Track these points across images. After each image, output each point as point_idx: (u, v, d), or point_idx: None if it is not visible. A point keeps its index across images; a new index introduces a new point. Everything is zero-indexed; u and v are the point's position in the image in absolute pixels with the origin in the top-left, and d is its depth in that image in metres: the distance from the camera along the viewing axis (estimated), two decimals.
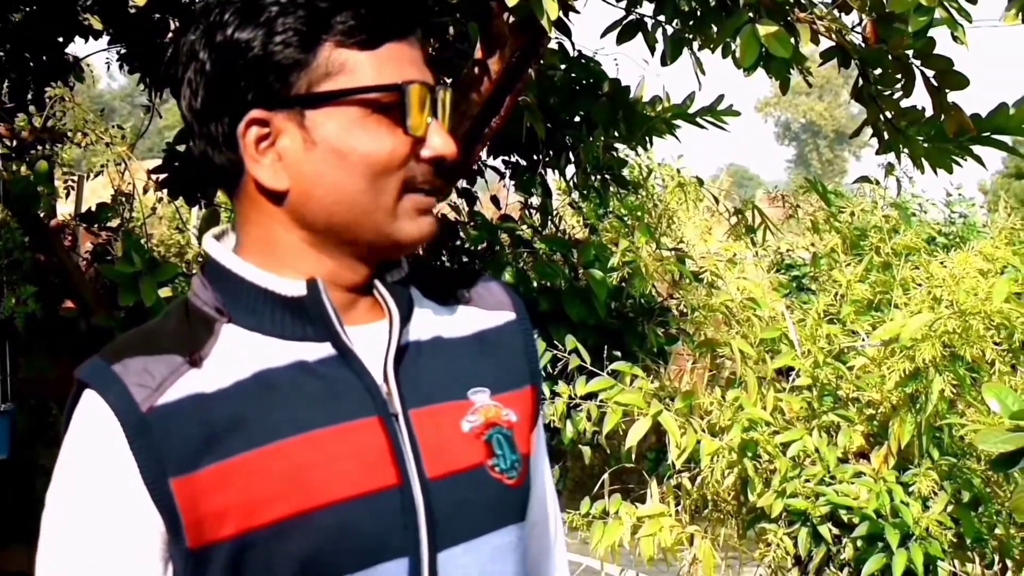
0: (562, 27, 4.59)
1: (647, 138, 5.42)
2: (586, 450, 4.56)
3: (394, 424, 1.13)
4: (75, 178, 6.68)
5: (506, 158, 5.66)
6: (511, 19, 3.49)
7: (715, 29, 3.79)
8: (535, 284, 5.14)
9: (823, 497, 3.41)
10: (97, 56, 5.97)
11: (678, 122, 5.33)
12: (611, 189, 5.68)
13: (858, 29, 3.67)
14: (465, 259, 5.49)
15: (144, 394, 1.07)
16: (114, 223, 5.86)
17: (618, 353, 4.04)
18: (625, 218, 5.65)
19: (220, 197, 5.53)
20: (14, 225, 5.02)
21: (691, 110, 5.23)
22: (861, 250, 4.27)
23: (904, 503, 3.35)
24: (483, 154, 5.26)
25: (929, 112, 3.59)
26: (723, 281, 4.33)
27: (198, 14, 1.14)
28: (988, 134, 3.54)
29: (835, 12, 3.61)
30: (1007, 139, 3.58)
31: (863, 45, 3.60)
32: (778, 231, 5.77)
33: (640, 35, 4.17)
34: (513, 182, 5.72)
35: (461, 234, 5.51)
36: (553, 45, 4.85)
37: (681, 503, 3.86)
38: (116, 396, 1.07)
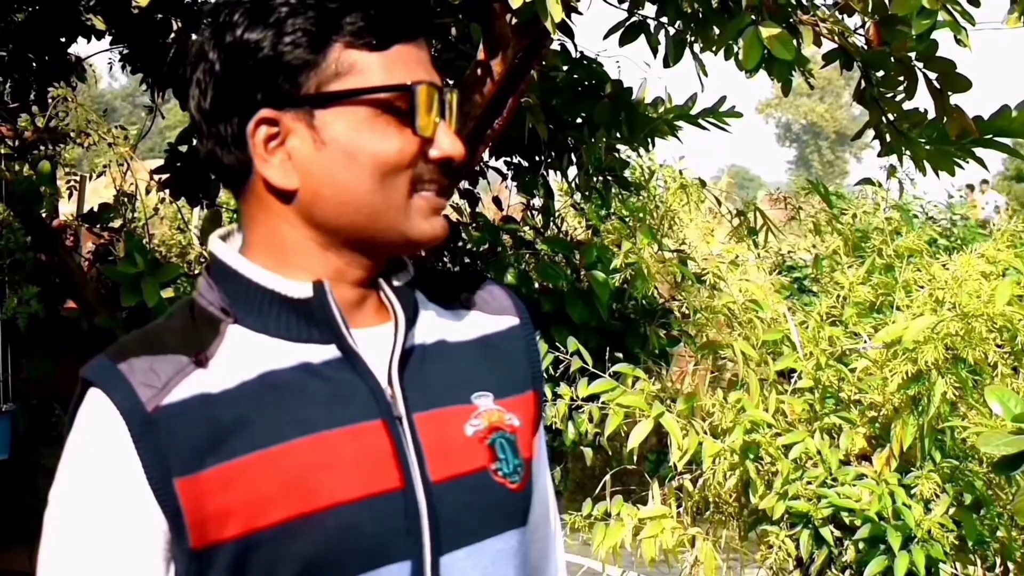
0: (565, 28, 4.59)
1: (649, 139, 5.42)
2: (588, 452, 4.56)
3: (398, 427, 1.13)
4: (77, 178, 6.68)
5: (508, 159, 5.66)
6: (514, 20, 3.49)
7: (717, 31, 3.79)
8: (537, 285, 5.14)
9: (825, 499, 3.40)
10: (99, 56, 5.98)
11: (680, 123, 5.33)
12: (613, 190, 5.68)
13: (861, 31, 3.67)
14: (467, 260, 5.49)
15: (150, 394, 1.08)
16: (116, 224, 5.87)
17: (620, 355, 4.04)
18: (627, 219, 5.65)
19: (222, 197, 5.53)
20: (16, 225, 5.03)
21: (693, 111, 5.23)
22: (863, 252, 4.27)
23: (906, 505, 3.34)
24: (485, 155, 5.26)
25: (931, 115, 3.59)
26: (725, 283, 4.32)
27: (207, 15, 1.14)
28: (990, 136, 3.54)
29: (838, 14, 3.61)
30: (1008, 141, 3.58)
31: (866, 47, 3.60)
32: (780, 233, 5.77)
33: (642, 37, 4.17)
34: (515, 183, 5.72)
35: (463, 235, 5.51)
36: (555, 46, 4.85)
37: (683, 505, 3.86)
38: (121, 395, 1.08)
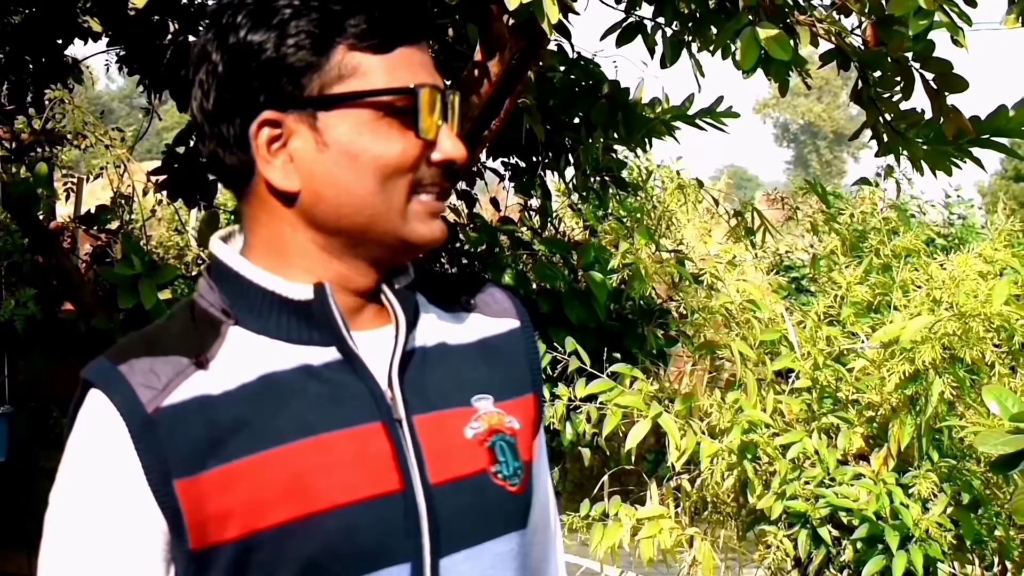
0: (561, 29, 4.59)
1: (646, 140, 5.42)
2: (586, 452, 4.57)
3: (398, 430, 1.13)
4: (75, 180, 6.68)
5: (505, 160, 5.66)
6: (510, 21, 3.49)
7: (715, 31, 3.80)
8: (535, 286, 5.14)
9: (823, 499, 3.41)
10: (96, 58, 5.97)
11: (677, 124, 5.33)
12: (611, 191, 5.68)
13: (858, 32, 3.67)
14: (465, 261, 5.49)
15: (150, 395, 1.08)
16: (114, 225, 5.86)
17: (618, 355, 4.04)
18: (625, 220, 5.65)
19: (220, 199, 5.53)
20: (14, 228, 5.03)
21: (690, 112, 5.23)
22: (861, 252, 4.28)
23: (904, 505, 3.35)
24: (483, 156, 5.26)
25: (928, 115, 3.59)
26: (723, 283, 4.33)
27: (209, 16, 1.15)
28: (987, 136, 3.54)
29: (835, 15, 3.61)
30: (1006, 141, 3.58)
31: (863, 48, 3.60)
32: (777, 233, 5.78)
33: (639, 37, 4.17)
34: (513, 184, 5.72)
35: (461, 236, 5.51)
36: (552, 47, 4.85)
37: (681, 505, 3.86)
38: (122, 396, 1.08)
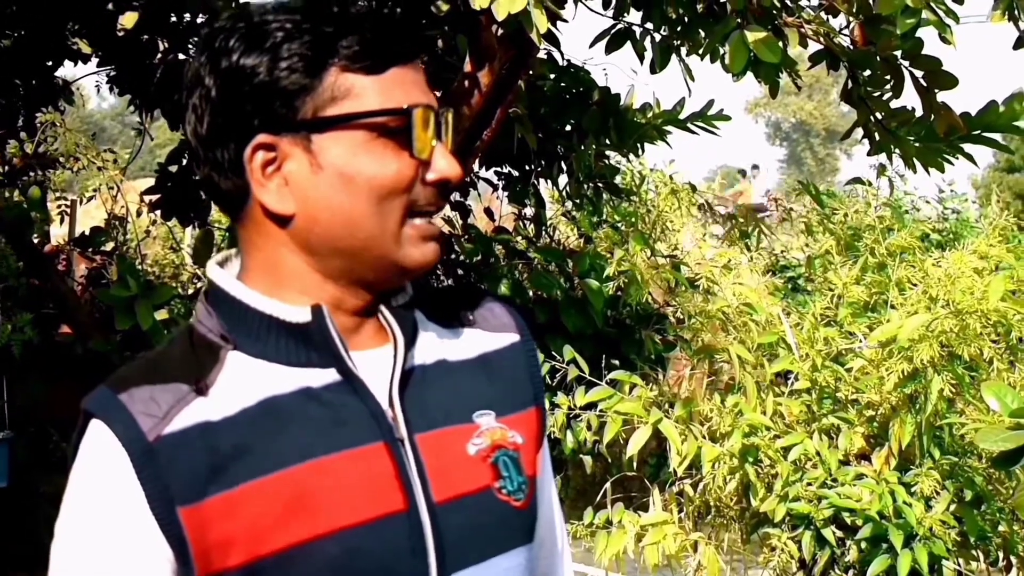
0: (550, 38, 4.60)
1: (638, 145, 5.43)
2: (587, 459, 4.57)
3: (400, 449, 1.13)
4: (68, 203, 6.68)
5: (499, 169, 5.66)
6: (500, 32, 3.49)
7: (703, 35, 3.80)
8: (531, 295, 5.14)
9: (825, 500, 3.41)
10: (87, 78, 5.99)
11: (669, 128, 5.34)
12: (604, 197, 5.69)
13: (846, 32, 3.68)
14: (460, 272, 5.49)
15: (151, 423, 1.07)
16: (108, 247, 5.86)
17: (616, 362, 4.05)
18: (619, 226, 5.65)
19: (214, 216, 5.53)
20: (8, 252, 5.03)
21: (681, 116, 5.24)
22: (856, 251, 4.28)
23: (907, 504, 3.35)
24: (476, 166, 5.26)
25: (919, 112, 3.60)
26: (719, 287, 4.33)
27: (202, 40, 1.14)
28: (978, 132, 3.54)
29: (823, 15, 3.62)
30: (998, 136, 3.59)
31: (851, 47, 3.61)
32: (771, 234, 5.78)
33: (629, 43, 4.18)
34: (506, 193, 5.73)
35: (456, 247, 5.51)
36: (542, 55, 4.86)
37: (684, 510, 3.86)
38: (123, 426, 1.07)
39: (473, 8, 2.92)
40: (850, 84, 3.70)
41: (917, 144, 3.68)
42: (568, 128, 5.37)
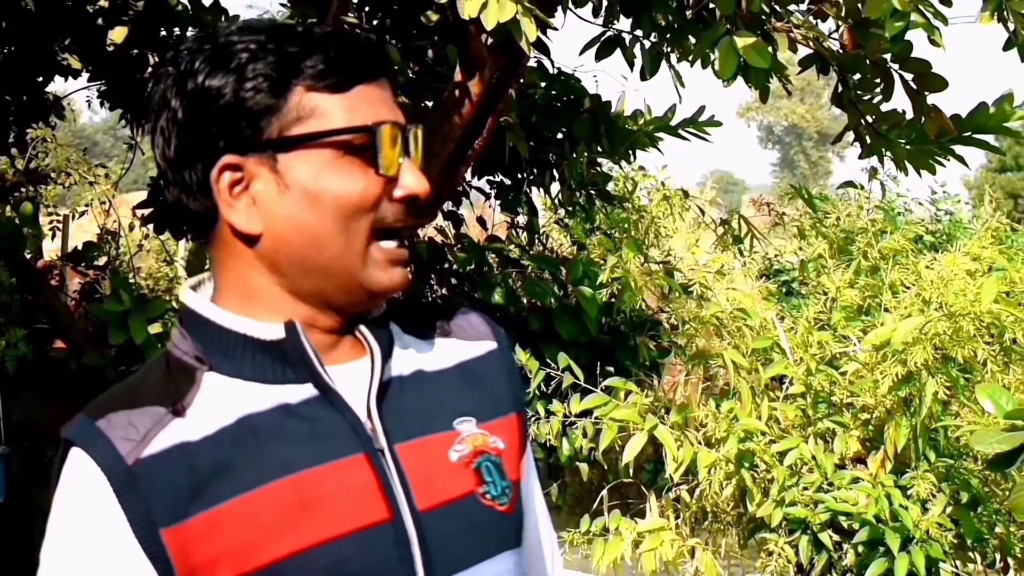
0: (540, 46, 4.60)
1: (630, 151, 5.43)
2: (583, 467, 4.56)
3: (381, 460, 1.13)
4: (60, 218, 6.68)
5: (491, 178, 5.66)
6: (489, 40, 3.49)
7: (693, 42, 3.80)
8: (525, 303, 5.14)
9: (822, 504, 3.40)
10: (78, 93, 6.00)
11: (660, 134, 5.34)
12: (597, 204, 5.68)
13: (835, 36, 3.68)
14: (454, 281, 5.49)
15: (129, 447, 1.07)
16: (101, 261, 5.86)
17: (611, 369, 4.05)
18: (612, 233, 5.65)
19: None
20: (1, 268, 5.02)
21: (673, 122, 5.24)
22: (849, 254, 4.28)
23: (903, 507, 3.35)
24: (467, 175, 5.26)
25: (910, 115, 3.60)
26: (712, 292, 4.33)
27: (168, 62, 1.14)
28: (970, 134, 3.55)
29: (812, 20, 3.62)
30: (989, 138, 3.59)
31: (841, 51, 3.62)
32: (764, 239, 5.78)
33: (618, 50, 4.18)
34: (499, 202, 5.72)
35: (449, 257, 5.51)
36: (532, 63, 4.86)
37: (681, 516, 3.86)
38: (101, 451, 1.07)
39: (462, 17, 2.91)
40: (840, 88, 3.70)
41: (908, 147, 3.68)
42: (560, 136, 5.37)
